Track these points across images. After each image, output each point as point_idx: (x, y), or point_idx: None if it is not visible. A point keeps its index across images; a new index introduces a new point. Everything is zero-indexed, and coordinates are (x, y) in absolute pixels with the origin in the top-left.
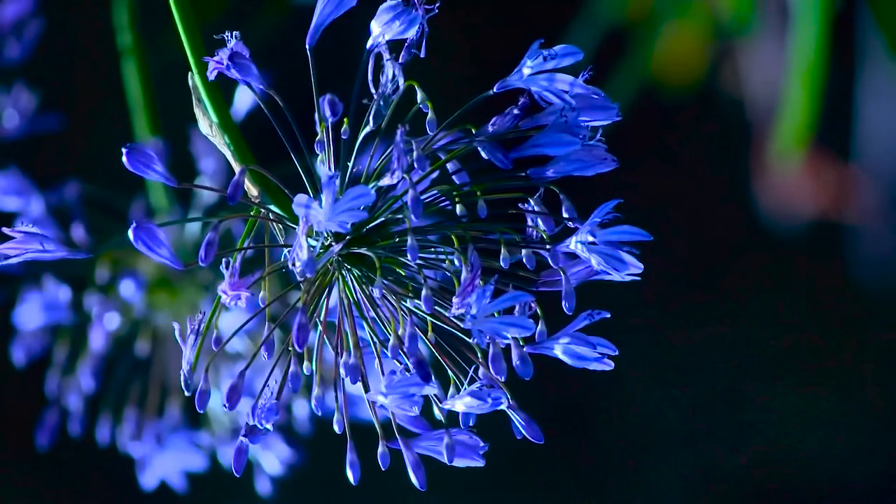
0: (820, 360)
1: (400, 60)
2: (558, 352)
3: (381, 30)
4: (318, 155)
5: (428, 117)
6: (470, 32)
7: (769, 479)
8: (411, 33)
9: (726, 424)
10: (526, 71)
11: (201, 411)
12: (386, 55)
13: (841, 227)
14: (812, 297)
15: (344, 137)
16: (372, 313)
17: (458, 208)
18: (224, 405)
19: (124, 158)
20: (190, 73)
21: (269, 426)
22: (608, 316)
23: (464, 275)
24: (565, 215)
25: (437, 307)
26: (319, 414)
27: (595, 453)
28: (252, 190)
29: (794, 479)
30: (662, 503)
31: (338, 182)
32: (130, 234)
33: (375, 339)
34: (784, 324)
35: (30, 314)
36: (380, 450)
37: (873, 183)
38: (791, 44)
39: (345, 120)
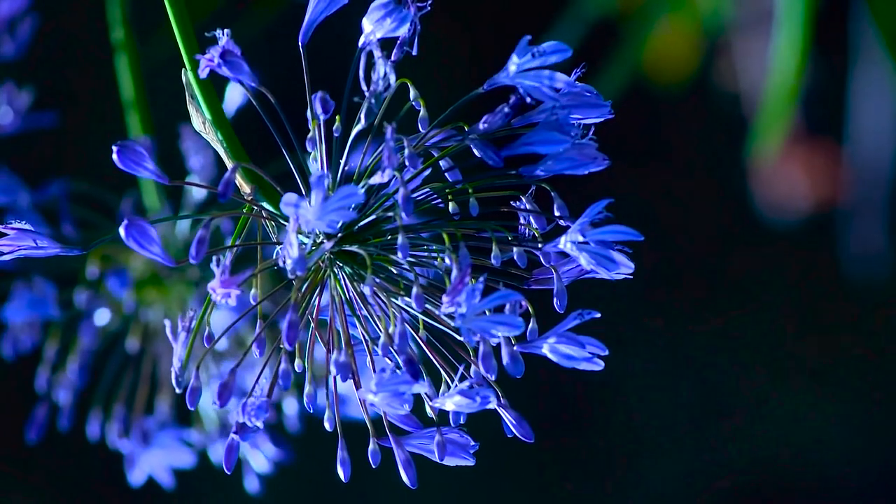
0: (816, 355)
1: (392, 58)
2: (547, 351)
3: (372, 27)
4: (309, 152)
5: (420, 115)
6: (464, 29)
7: (766, 477)
8: (403, 31)
9: (723, 421)
10: (512, 68)
11: (192, 408)
12: (377, 53)
13: (832, 220)
14: (806, 291)
15: (336, 135)
16: (363, 311)
17: (451, 206)
18: (214, 403)
19: (115, 156)
20: (183, 70)
21: (259, 423)
22: (598, 315)
23: (453, 273)
24: (557, 213)
25: (428, 305)
26: (311, 411)
27: (590, 451)
28: (244, 187)
29: (790, 473)
30: (659, 502)
31: (328, 181)
32: (122, 231)
33: (367, 337)
34: (779, 319)
35: (16, 310)
36: (370, 447)
37: (865, 177)
38: (774, 33)
39: (337, 117)
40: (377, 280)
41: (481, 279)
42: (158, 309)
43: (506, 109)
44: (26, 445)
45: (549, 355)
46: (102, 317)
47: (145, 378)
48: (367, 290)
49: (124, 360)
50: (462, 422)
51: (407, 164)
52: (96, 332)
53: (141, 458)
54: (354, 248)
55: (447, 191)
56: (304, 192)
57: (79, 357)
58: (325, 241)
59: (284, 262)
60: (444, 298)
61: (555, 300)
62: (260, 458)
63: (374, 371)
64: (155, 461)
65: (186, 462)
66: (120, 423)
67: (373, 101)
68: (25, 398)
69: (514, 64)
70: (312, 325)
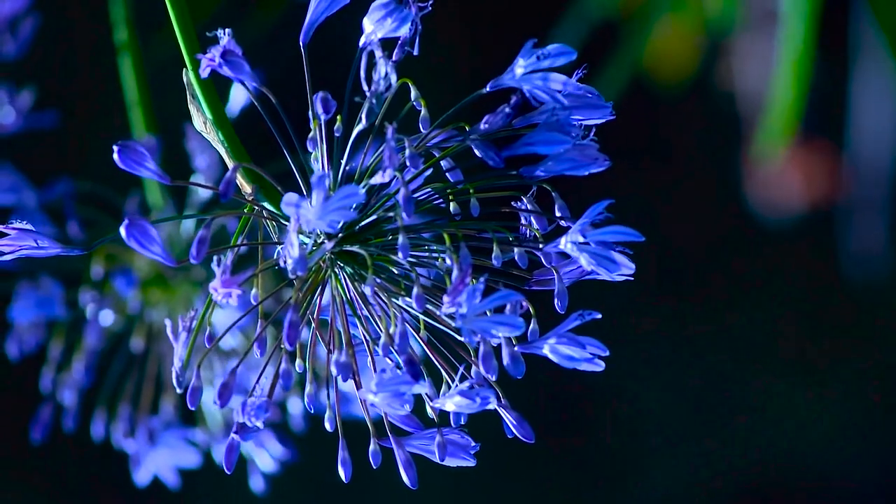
0: (816, 356)
1: (393, 58)
2: (548, 352)
3: (373, 27)
4: (311, 152)
5: (421, 115)
6: (465, 29)
7: (767, 477)
8: (404, 31)
9: (721, 420)
10: (518, 70)
11: (192, 408)
12: (378, 53)
13: (832, 219)
14: (804, 291)
15: (337, 135)
16: (364, 311)
17: (452, 206)
18: (215, 402)
19: (116, 156)
20: (185, 70)
21: (259, 423)
22: (599, 316)
23: (454, 273)
24: (558, 214)
25: (429, 305)
26: (312, 411)
27: (591, 452)
28: (245, 187)
29: (791, 473)
30: (659, 502)
31: (329, 181)
32: (123, 231)
33: (368, 337)
34: (779, 319)
35: (23, 310)
36: (371, 448)
37: (866, 176)
38: (778, 38)
39: (338, 117)
40: (378, 280)
41: (482, 279)
42: (163, 309)
43: (507, 110)
44: (28, 445)
45: (550, 356)
46: (107, 317)
47: (150, 378)
48: (367, 291)
49: (129, 361)
50: (463, 422)
51: (408, 164)
52: (101, 332)
53: (146, 458)
54: (355, 249)
55: (448, 191)
56: (305, 192)
57: (84, 357)
58: (325, 241)
59: (285, 262)
60: (445, 299)
61: (556, 301)
62: (266, 457)
63: (375, 371)
64: (160, 461)
65: (192, 462)
66: (125, 422)
67: (374, 101)
68: (24, 398)
69: (520, 66)
70: (313, 325)
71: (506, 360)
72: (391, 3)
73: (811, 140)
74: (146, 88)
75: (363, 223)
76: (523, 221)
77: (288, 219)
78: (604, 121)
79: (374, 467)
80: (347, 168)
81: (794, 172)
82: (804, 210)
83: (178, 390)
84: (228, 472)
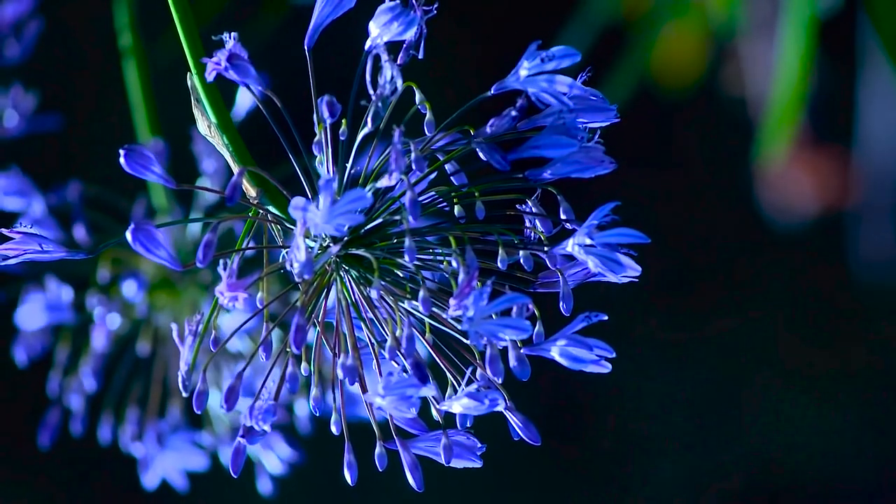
0: (821, 359)
1: (398, 62)
2: (555, 354)
3: (379, 31)
4: (316, 156)
5: (426, 118)
6: (470, 33)
7: (768, 478)
8: (409, 34)
9: (726, 423)
10: (523, 73)
11: (198, 412)
12: (384, 56)
13: (841, 223)
14: (813, 294)
15: (342, 139)
16: (370, 314)
17: (457, 209)
18: (222, 406)
19: (122, 160)
20: (189, 74)
21: (266, 427)
22: (606, 318)
23: (461, 276)
24: (563, 217)
25: (434, 308)
26: (318, 414)
27: (594, 454)
28: (250, 191)
29: (794, 477)
30: (661, 503)
31: (335, 184)
32: (128, 235)
33: (373, 340)
34: (785, 322)
35: (32, 314)
36: (377, 451)
37: (875, 181)
38: (778, 42)
39: (343, 121)
40: (384, 283)
41: (489, 282)
42: (170, 312)
43: (512, 113)
44: (35, 450)
45: (558, 358)
46: (114, 321)
47: (157, 381)
48: (373, 294)
49: (136, 364)
50: (469, 425)
51: (413, 167)
52: (108, 335)
53: (155, 462)
54: (361, 252)
55: (453, 194)
56: (310, 196)
57: (91, 361)
58: (331, 244)
59: (291, 266)
60: (452, 302)
61: (561, 303)
62: (273, 459)
63: (381, 374)
64: (168, 464)
65: (199, 465)
66: (133, 426)
67: (379, 104)
68: (31, 402)
69: (524, 68)
70: (318, 328)
71: (512, 362)
72: (397, 7)
73: (820, 144)
74: (151, 91)
75: (368, 226)
76: (528, 224)
77: (293, 222)
78: (608, 123)
79: (380, 470)
80: (352, 171)
81: (804, 177)
82: (814, 214)
83: (185, 394)
84: (235, 476)
